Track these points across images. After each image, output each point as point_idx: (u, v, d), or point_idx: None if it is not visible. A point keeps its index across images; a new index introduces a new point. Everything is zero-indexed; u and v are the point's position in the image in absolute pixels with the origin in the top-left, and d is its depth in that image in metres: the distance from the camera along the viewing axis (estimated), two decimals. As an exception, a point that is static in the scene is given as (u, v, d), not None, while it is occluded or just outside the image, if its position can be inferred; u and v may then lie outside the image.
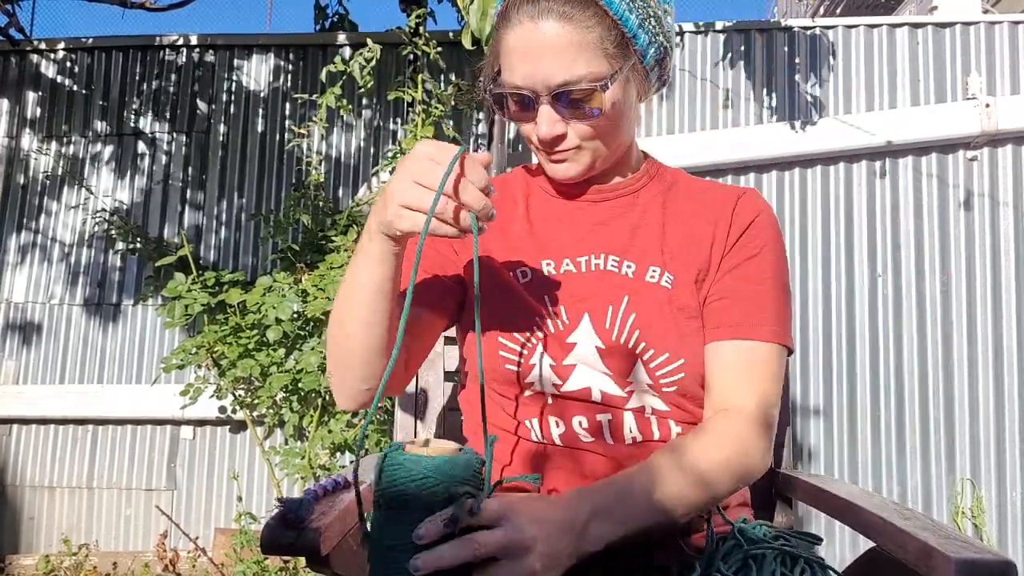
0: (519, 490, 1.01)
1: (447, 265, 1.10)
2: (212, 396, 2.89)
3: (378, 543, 0.73)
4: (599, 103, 0.95)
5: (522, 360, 1.02)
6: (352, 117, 3.57)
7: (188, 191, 3.62)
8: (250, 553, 2.77)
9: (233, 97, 3.66)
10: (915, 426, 3.24)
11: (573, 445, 1.02)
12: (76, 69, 3.74)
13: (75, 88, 3.73)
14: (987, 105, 3.26)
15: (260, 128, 3.63)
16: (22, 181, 3.69)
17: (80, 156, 3.69)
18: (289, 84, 3.65)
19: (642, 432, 1.02)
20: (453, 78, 3.38)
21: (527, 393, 1.04)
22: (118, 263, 3.59)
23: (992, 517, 3.19)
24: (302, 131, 3.22)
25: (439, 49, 2.90)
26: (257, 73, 3.68)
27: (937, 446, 3.23)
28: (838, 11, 9.06)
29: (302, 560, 2.06)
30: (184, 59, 3.70)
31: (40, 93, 3.74)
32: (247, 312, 2.80)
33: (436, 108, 2.92)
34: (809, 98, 3.42)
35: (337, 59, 2.86)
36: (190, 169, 3.63)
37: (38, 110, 3.73)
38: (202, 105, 3.67)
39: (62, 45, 3.74)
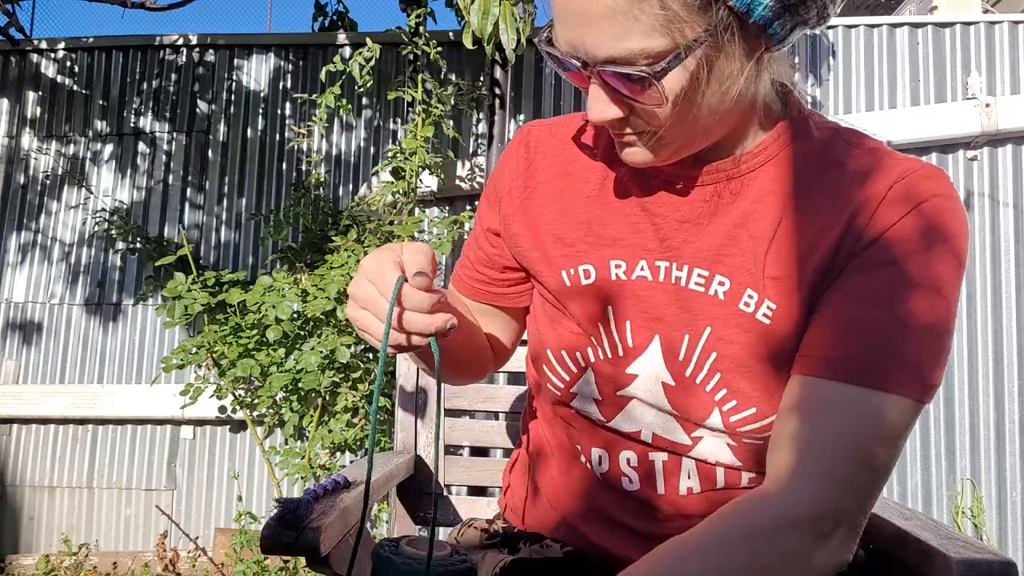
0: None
1: (500, 261, 0.94)
2: (212, 396, 2.89)
3: None
4: (656, 91, 0.67)
5: (564, 387, 0.86)
6: (352, 117, 3.57)
7: (188, 191, 3.62)
8: (250, 553, 2.77)
9: (233, 97, 3.66)
10: (915, 426, 3.24)
11: (614, 486, 0.87)
12: (76, 69, 3.74)
13: (75, 88, 3.73)
14: (987, 105, 3.26)
15: (260, 128, 3.63)
16: (22, 181, 3.69)
17: (80, 156, 3.69)
18: (289, 84, 3.65)
19: (702, 481, 0.83)
20: (453, 78, 3.38)
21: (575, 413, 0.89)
22: (118, 263, 3.59)
23: (992, 517, 3.19)
24: (302, 131, 3.22)
25: (439, 49, 2.89)
26: (257, 73, 3.68)
27: (937, 446, 3.23)
28: (838, 11, 9.06)
29: (302, 560, 2.06)
30: (184, 59, 3.70)
31: (40, 93, 3.74)
32: (247, 312, 2.80)
33: (436, 108, 2.92)
34: (809, 98, 3.42)
35: (337, 59, 2.86)
36: (190, 169, 3.63)
37: (38, 110, 3.73)
38: (202, 105, 3.67)
39: (62, 45, 3.74)
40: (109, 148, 3.68)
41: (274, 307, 2.65)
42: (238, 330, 2.77)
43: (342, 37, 3.62)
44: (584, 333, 0.84)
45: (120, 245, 3.49)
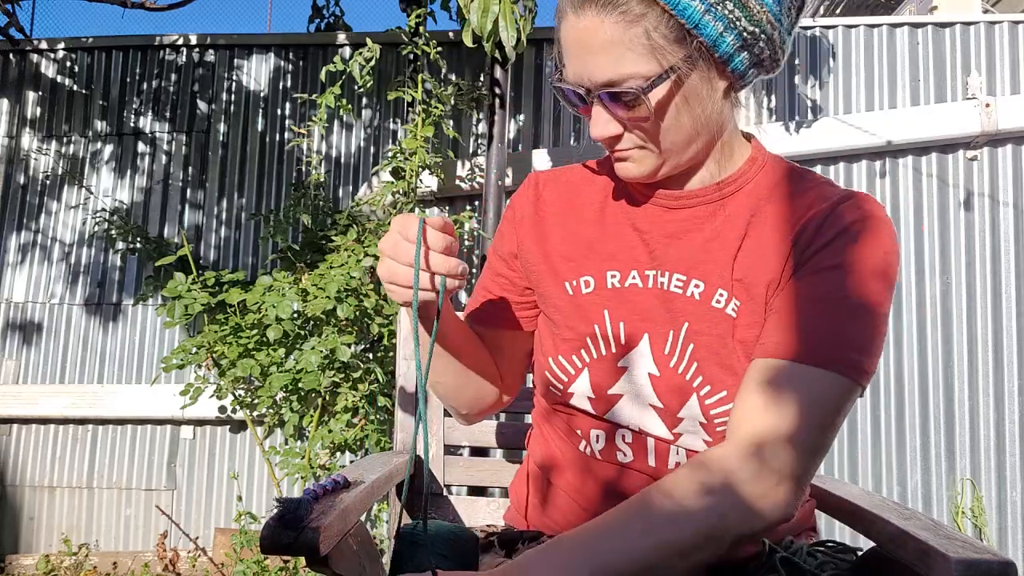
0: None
1: (514, 283, 1.09)
2: (212, 396, 2.89)
3: None
4: (644, 105, 0.85)
5: (564, 383, 0.99)
6: (352, 117, 3.57)
7: (188, 191, 3.62)
8: (250, 553, 2.77)
9: (233, 97, 3.66)
10: (915, 426, 3.24)
11: (611, 461, 0.99)
12: (76, 69, 3.74)
13: (75, 88, 3.73)
14: (987, 105, 3.26)
15: (260, 128, 3.63)
16: (22, 181, 3.70)
17: (80, 156, 3.69)
18: (289, 84, 3.65)
19: (688, 458, 0.96)
20: (453, 78, 3.38)
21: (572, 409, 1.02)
22: (118, 263, 3.59)
23: (992, 517, 3.18)
24: (302, 131, 3.22)
25: (439, 49, 2.89)
26: (257, 73, 3.68)
27: (937, 446, 3.23)
28: (838, 11, 9.06)
29: (302, 560, 2.06)
30: (184, 59, 3.70)
31: (40, 93, 3.74)
32: (247, 312, 2.80)
33: (436, 108, 2.92)
34: (809, 98, 3.42)
35: (337, 59, 2.86)
36: (190, 169, 3.64)
37: (38, 110, 3.73)
38: (202, 105, 3.67)
39: (62, 45, 3.74)
40: (109, 148, 3.68)
41: (274, 306, 2.65)
42: (238, 330, 2.77)
43: (342, 37, 3.62)
44: (580, 337, 0.98)
45: (120, 245, 3.49)
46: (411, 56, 3.27)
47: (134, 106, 3.69)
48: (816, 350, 0.84)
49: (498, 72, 3.05)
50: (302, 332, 2.80)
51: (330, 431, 2.72)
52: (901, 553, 0.87)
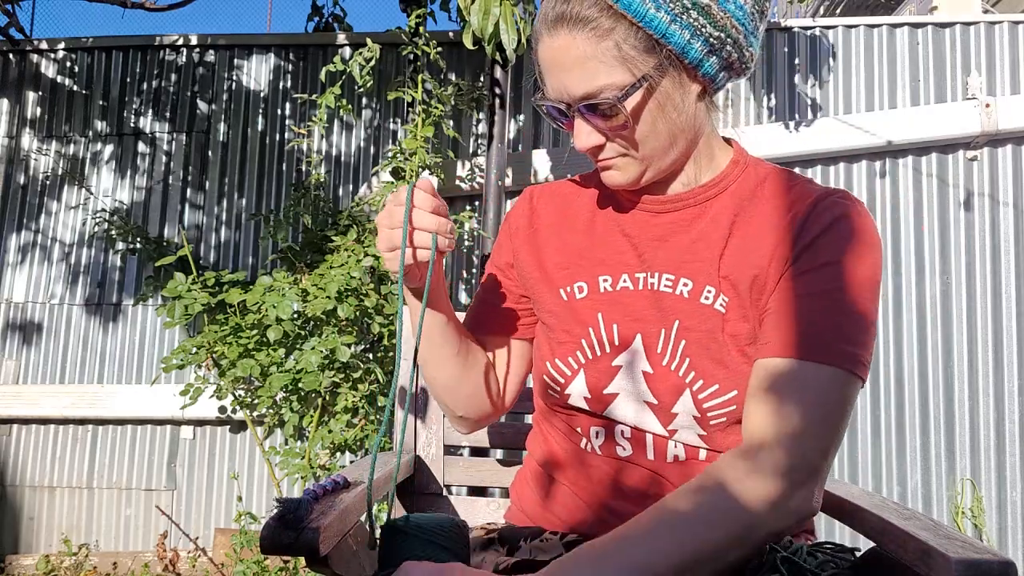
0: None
1: (512, 292, 1.13)
2: (212, 396, 2.89)
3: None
4: (622, 114, 0.89)
5: (562, 385, 1.02)
6: (352, 117, 3.57)
7: (188, 191, 3.62)
8: (250, 553, 2.77)
9: (233, 97, 3.67)
10: (915, 426, 3.24)
11: (612, 455, 1.01)
12: (76, 69, 3.74)
13: (75, 88, 3.73)
14: (987, 105, 3.26)
15: (260, 128, 3.63)
16: (22, 181, 3.70)
17: (80, 156, 3.69)
18: (289, 84, 3.65)
19: (686, 452, 0.98)
20: (453, 78, 3.38)
21: (569, 421, 1.05)
22: (118, 263, 3.59)
23: (992, 517, 3.19)
24: (302, 131, 3.22)
25: (439, 49, 2.89)
26: (257, 73, 3.68)
27: (937, 446, 3.23)
28: (838, 11, 9.06)
29: (302, 560, 2.06)
30: (184, 59, 3.70)
31: (40, 93, 3.74)
32: (247, 312, 2.80)
33: (436, 108, 2.92)
34: (809, 98, 3.42)
35: (337, 59, 2.86)
36: (190, 169, 3.64)
37: (38, 110, 3.73)
38: (202, 105, 3.67)
39: (62, 45, 3.74)
40: (109, 148, 3.68)
41: (274, 307, 2.65)
42: (238, 330, 2.77)
43: (342, 37, 3.62)
44: (576, 340, 1.01)
45: (120, 245, 3.49)
46: (411, 56, 3.27)
47: (134, 106, 3.69)
48: (815, 347, 0.87)
49: (498, 72, 3.05)
50: (302, 332, 2.80)
51: (330, 431, 2.72)
52: (901, 553, 0.88)
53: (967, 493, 3.19)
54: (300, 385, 2.65)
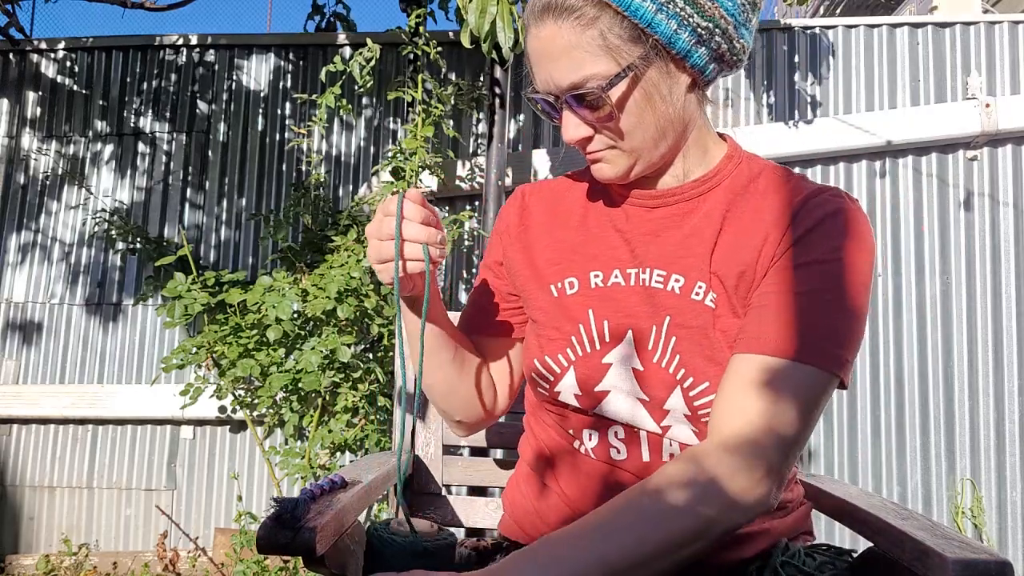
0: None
1: (504, 292, 1.12)
2: (212, 396, 2.89)
3: None
4: (607, 104, 0.88)
5: (551, 383, 1.00)
6: (352, 117, 3.57)
7: (188, 191, 3.62)
8: (250, 553, 2.77)
9: (233, 97, 3.67)
10: (915, 426, 3.24)
11: (605, 460, 0.99)
12: (76, 69, 3.74)
13: (75, 88, 3.73)
14: (987, 105, 3.26)
15: (260, 128, 3.63)
16: (22, 181, 3.70)
17: (80, 156, 3.69)
18: (289, 84, 3.65)
19: (682, 449, 0.96)
20: (453, 78, 3.38)
21: (559, 420, 1.04)
22: (118, 263, 3.59)
23: (992, 517, 3.18)
24: (302, 131, 3.22)
25: (439, 49, 2.89)
26: (257, 73, 3.68)
27: (937, 446, 3.22)
28: (838, 11, 9.06)
29: (302, 559, 2.06)
30: (184, 59, 3.71)
31: (40, 93, 3.74)
32: (247, 312, 2.80)
33: (436, 108, 2.92)
34: (809, 98, 3.42)
35: (337, 59, 2.86)
36: (190, 169, 3.64)
37: (38, 110, 3.73)
38: (202, 105, 3.67)
39: (62, 45, 3.74)
40: (109, 148, 3.69)
41: (274, 306, 2.65)
42: (238, 330, 2.77)
43: (342, 37, 3.62)
44: (566, 336, 0.99)
45: (120, 245, 3.49)
46: (411, 56, 3.27)
47: (134, 106, 3.69)
48: (796, 346, 0.85)
49: (498, 72, 3.05)
50: (302, 332, 2.80)
51: (330, 431, 2.72)
52: (899, 553, 0.88)
53: (967, 493, 3.19)
54: (300, 385, 2.65)
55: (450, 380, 1.07)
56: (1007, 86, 3.36)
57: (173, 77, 3.70)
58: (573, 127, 0.92)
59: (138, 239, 3.34)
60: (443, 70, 3.45)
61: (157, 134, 3.67)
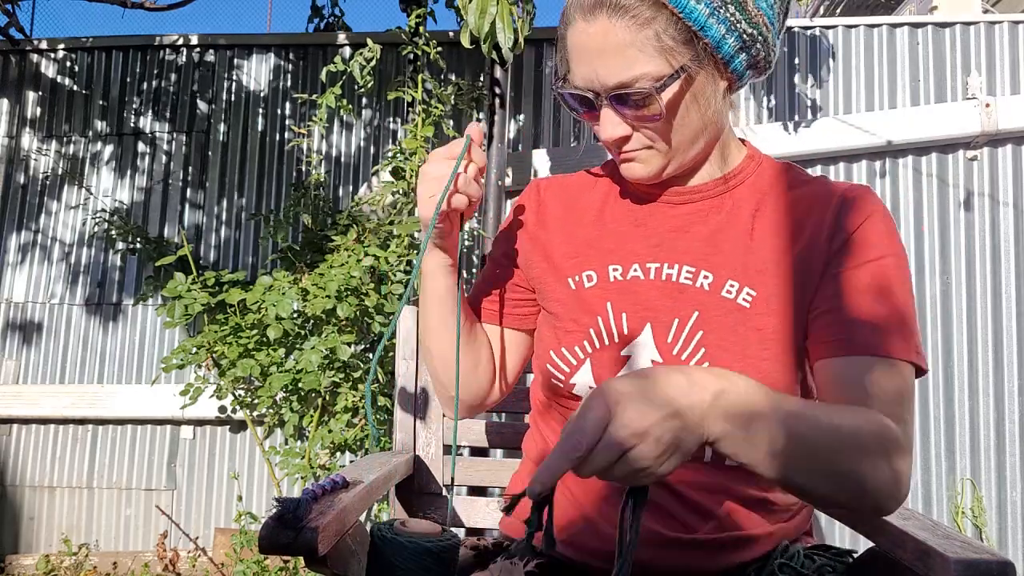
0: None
1: (513, 282, 1.11)
2: (212, 396, 2.89)
3: None
4: (656, 105, 0.88)
5: (566, 375, 0.99)
6: (352, 117, 3.57)
7: (188, 191, 3.62)
8: (250, 553, 2.77)
9: (233, 97, 3.67)
10: (915, 425, 3.24)
11: None
12: (76, 69, 3.74)
13: (75, 88, 3.73)
14: (987, 105, 3.26)
15: (260, 128, 3.63)
16: (22, 181, 3.70)
17: (80, 156, 3.69)
18: (289, 84, 3.65)
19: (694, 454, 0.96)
20: (453, 78, 3.38)
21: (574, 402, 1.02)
22: (118, 263, 3.59)
23: (992, 517, 3.18)
24: (302, 131, 3.22)
25: (439, 49, 2.89)
26: (257, 73, 3.68)
27: (937, 446, 3.23)
28: (838, 11, 9.06)
29: (302, 560, 2.06)
30: (184, 59, 3.71)
31: (40, 93, 3.74)
32: (247, 312, 2.80)
33: (436, 108, 2.92)
34: (809, 98, 3.42)
35: (337, 59, 2.86)
36: (190, 169, 3.64)
37: (38, 110, 3.73)
38: (202, 105, 3.67)
39: (62, 45, 3.74)
40: (109, 148, 3.68)
41: (274, 306, 2.65)
42: (238, 330, 2.77)
43: (342, 37, 3.62)
44: (583, 329, 0.98)
45: (120, 245, 3.49)
46: (411, 56, 3.27)
47: (134, 106, 3.69)
48: (880, 343, 0.87)
49: (498, 72, 3.05)
50: (302, 332, 2.80)
51: (330, 431, 2.72)
52: (900, 553, 0.87)
53: (967, 493, 3.19)
54: (300, 385, 2.65)
55: (450, 350, 1.05)
56: (1007, 86, 3.36)
57: (173, 77, 3.70)
58: (613, 125, 0.91)
59: (138, 239, 3.34)
60: (443, 70, 3.45)
61: (157, 134, 3.67)
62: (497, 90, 3.05)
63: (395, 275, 2.78)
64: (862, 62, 3.42)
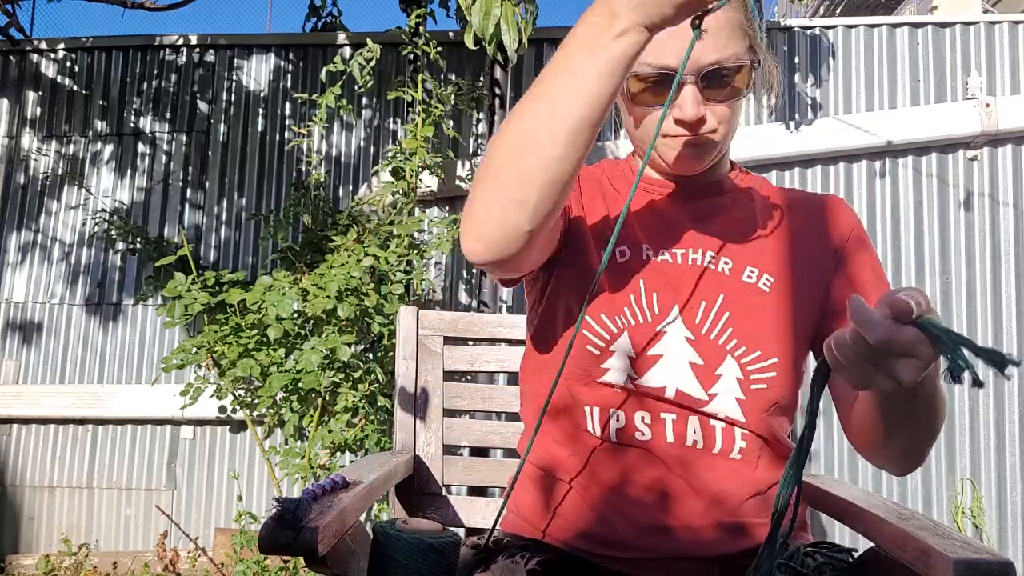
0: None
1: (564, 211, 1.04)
2: (212, 396, 2.89)
3: None
4: (744, 81, 0.96)
5: (604, 345, 1.01)
6: (352, 117, 3.57)
7: (188, 191, 3.62)
8: (250, 553, 2.77)
9: (233, 97, 3.67)
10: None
11: (628, 442, 1.00)
12: (76, 69, 3.74)
13: (75, 88, 3.73)
14: (987, 105, 3.26)
15: (260, 128, 3.63)
16: (22, 181, 3.70)
17: (80, 156, 3.69)
18: (289, 84, 3.65)
19: (704, 439, 0.99)
20: (453, 78, 3.38)
21: (600, 379, 1.01)
22: (118, 263, 3.59)
23: (992, 517, 3.18)
24: (302, 131, 3.22)
25: (439, 49, 2.89)
26: (257, 73, 3.68)
27: (937, 446, 3.22)
28: (838, 11, 9.06)
29: (302, 560, 2.06)
30: (184, 59, 3.70)
31: (40, 93, 3.74)
32: (247, 312, 2.80)
33: (436, 108, 2.92)
34: (809, 98, 3.42)
35: (337, 59, 2.86)
36: (190, 169, 3.64)
37: (38, 110, 3.73)
38: (202, 105, 3.67)
39: (62, 45, 3.74)
40: (109, 148, 3.68)
41: (274, 306, 2.64)
42: (238, 330, 2.77)
43: (342, 37, 3.62)
44: (619, 304, 1.01)
45: (120, 245, 3.49)
46: (411, 56, 3.27)
47: (134, 106, 3.69)
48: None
49: (498, 72, 3.05)
50: (302, 332, 2.80)
51: (330, 431, 2.72)
52: (900, 553, 0.87)
53: (967, 493, 3.19)
54: (300, 385, 2.65)
55: (563, 172, 0.80)
56: (1007, 86, 3.36)
57: (173, 77, 3.70)
58: (696, 106, 0.94)
59: (138, 239, 3.34)
60: (443, 70, 3.45)
61: (157, 134, 3.67)
62: (497, 90, 3.05)
63: (395, 275, 2.78)
64: (862, 62, 3.42)
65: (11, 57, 3.75)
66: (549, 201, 0.81)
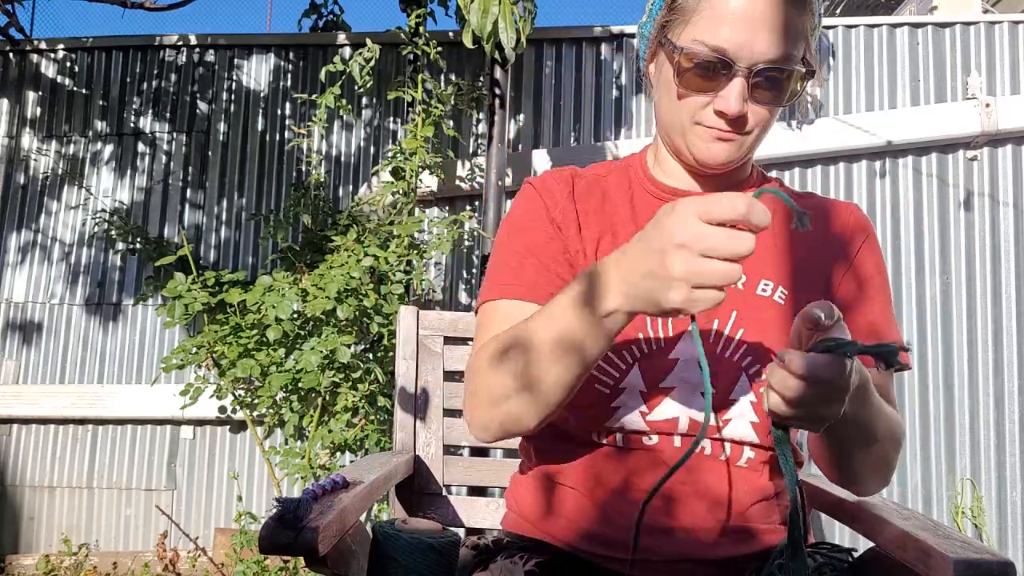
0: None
1: (557, 250, 1.03)
2: (212, 396, 2.89)
3: None
4: (793, 89, 0.93)
5: (614, 384, 0.97)
6: (352, 117, 3.57)
7: (188, 191, 3.62)
8: (250, 553, 2.77)
9: (233, 97, 3.66)
10: (915, 426, 3.24)
11: (634, 446, 0.99)
12: (76, 69, 3.74)
13: (75, 88, 3.73)
14: (987, 105, 3.25)
15: (260, 128, 3.63)
16: (22, 181, 3.69)
17: (80, 156, 3.69)
18: (289, 84, 3.65)
19: (712, 447, 0.98)
20: (453, 78, 3.38)
21: (607, 423, 0.98)
22: (118, 263, 3.59)
23: (992, 517, 3.18)
24: (302, 131, 3.21)
25: (439, 49, 2.89)
26: (257, 73, 3.68)
27: (937, 446, 3.22)
28: (838, 11, 9.05)
29: (302, 560, 2.06)
30: (184, 59, 3.70)
31: (40, 93, 3.74)
32: (247, 312, 2.80)
33: (436, 108, 2.92)
34: (809, 98, 3.42)
35: (337, 59, 2.86)
36: (190, 169, 3.63)
37: (38, 110, 3.73)
38: (202, 105, 3.67)
39: (62, 45, 3.74)
40: (109, 148, 3.68)
41: (274, 306, 2.64)
42: (238, 330, 2.77)
43: (342, 37, 3.62)
44: (628, 330, 0.89)
45: (120, 245, 3.49)
46: (411, 56, 3.27)
47: (134, 106, 3.69)
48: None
49: (498, 72, 3.05)
50: (302, 332, 2.80)
51: (330, 431, 2.72)
52: (900, 553, 0.87)
53: (967, 493, 3.19)
54: (300, 385, 2.65)
55: (567, 389, 0.88)
56: (1007, 86, 3.36)
57: (173, 77, 3.70)
58: (742, 100, 0.92)
59: (138, 239, 3.34)
60: (443, 70, 3.45)
61: (157, 134, 3.67)
62: (497, 90, 3.05)
63: (395, 275, 2.78)
64: (862, 62, 3.42)
65: (11, 57, 3.75)
66: (552, 408, 0.89)
